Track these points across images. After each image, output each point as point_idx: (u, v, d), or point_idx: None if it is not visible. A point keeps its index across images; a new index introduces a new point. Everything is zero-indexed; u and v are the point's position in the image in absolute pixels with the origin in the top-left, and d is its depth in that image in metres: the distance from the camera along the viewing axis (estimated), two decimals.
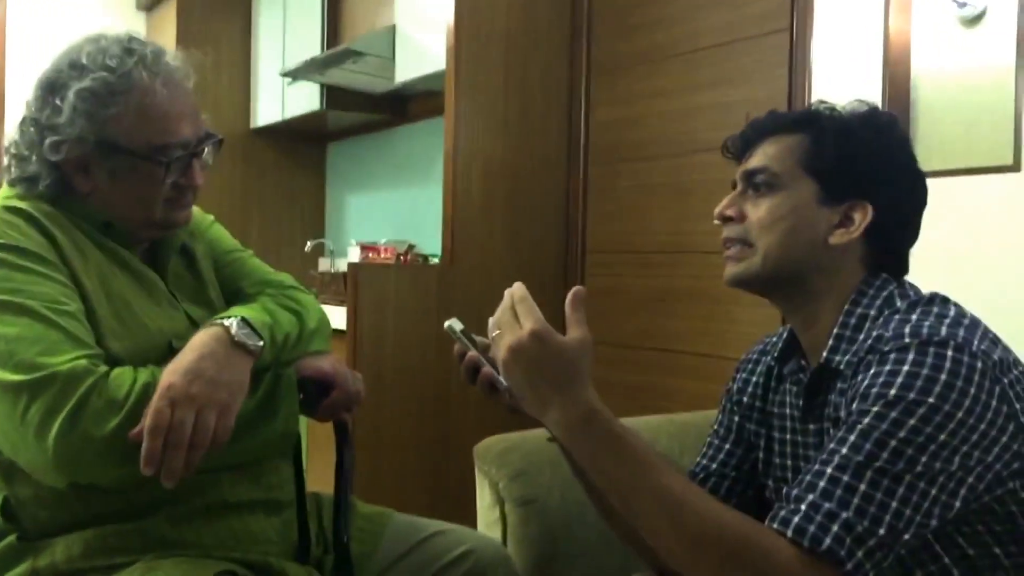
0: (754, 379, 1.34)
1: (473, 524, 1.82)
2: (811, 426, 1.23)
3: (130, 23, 4.79)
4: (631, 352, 2.94)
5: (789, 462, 1.27)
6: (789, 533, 1.00)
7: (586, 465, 1.09)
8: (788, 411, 1.27)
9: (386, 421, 2.90)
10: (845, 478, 1.01)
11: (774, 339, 1.34)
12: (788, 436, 1.27)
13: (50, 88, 1.31)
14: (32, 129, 1.32)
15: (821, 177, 1.19)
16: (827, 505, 1.00)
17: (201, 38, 4.56)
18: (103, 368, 1.19)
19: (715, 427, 1.39)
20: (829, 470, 1.02)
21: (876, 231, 1.19)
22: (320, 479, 1.47)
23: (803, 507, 1.01)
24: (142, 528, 1.24)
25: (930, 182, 1.24)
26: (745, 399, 1.35)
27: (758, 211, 1.21)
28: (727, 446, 1.36)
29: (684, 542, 1.02)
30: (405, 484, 2.91)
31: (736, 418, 1.36)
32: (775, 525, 1.01)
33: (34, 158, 1.31)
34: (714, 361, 2.65)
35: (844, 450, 1.02)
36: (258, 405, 1.28)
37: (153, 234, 1.39)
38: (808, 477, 1.03)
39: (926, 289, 1.22)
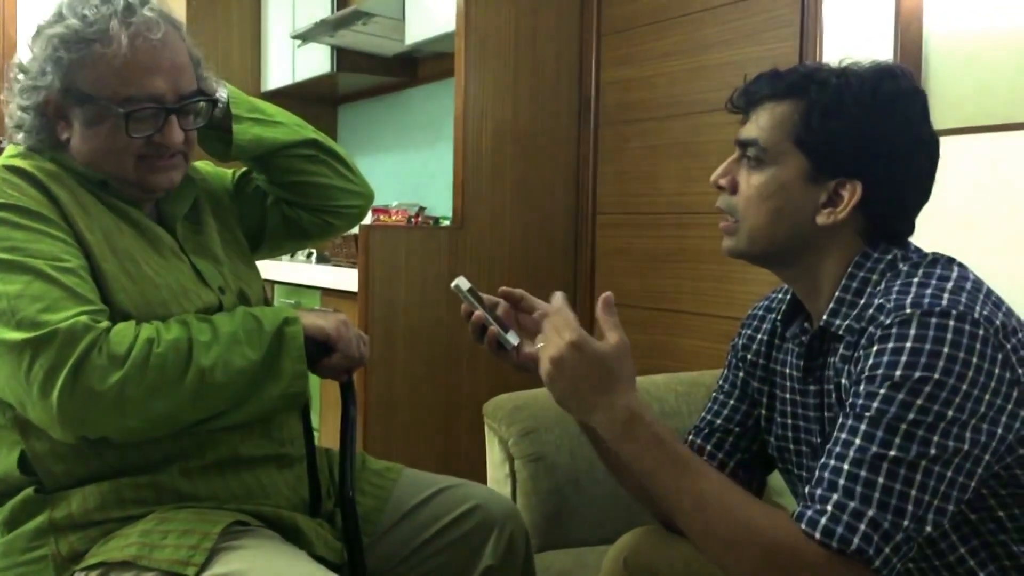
0: (759, 336, 1.34)
1: (483, 481, 1.84)
2: (811, 387, 1.23)
3: None
4: (640, 313, 2.95)
5: (789, 421, 1.28)
6: (817, 535, 1.02)
7: (630, 464, 1.13)
8: (789, 371, 1.28)
9: (397, 381, 2.92)
10: (863, 473, 1.02)
11: (780, 295, 1.34)
12: (788, 395, 1.28)
13: (34, 34, 1.33)
14: (18, 74, 1.34)
15: (810, 152, 1.16)
16: (851, 504, 1.02)
17: None
18: (104, 324, 1.19)
19: (720, 382, 1.40)
20: (846, 466, 1.04)
21: (871, 207, 1.16)
22: (333, 436, 1.49)
23: (829, 508, 1.03)
24: (156, 481, 1.26)
25: (942, 140, 1.20)
26: (750, 356, 1.35)
27: (748, 186, 1.20)
28: (731, 401, 1.37)
29: (719, 543, 1.08)
30: (416, 442, 2.94)
31: (740, 374, 1.36)
32: (803, 526, 1.04)
33: (15, 102, 1.33)
34: (723, 322, 2.65)
35: (858, 441, 1.04)
36: (263, 365, 1.27)
37: (137, 195, 1.37)
38: (827, 474, 1.05)
39: (934, 249, 1.19)
